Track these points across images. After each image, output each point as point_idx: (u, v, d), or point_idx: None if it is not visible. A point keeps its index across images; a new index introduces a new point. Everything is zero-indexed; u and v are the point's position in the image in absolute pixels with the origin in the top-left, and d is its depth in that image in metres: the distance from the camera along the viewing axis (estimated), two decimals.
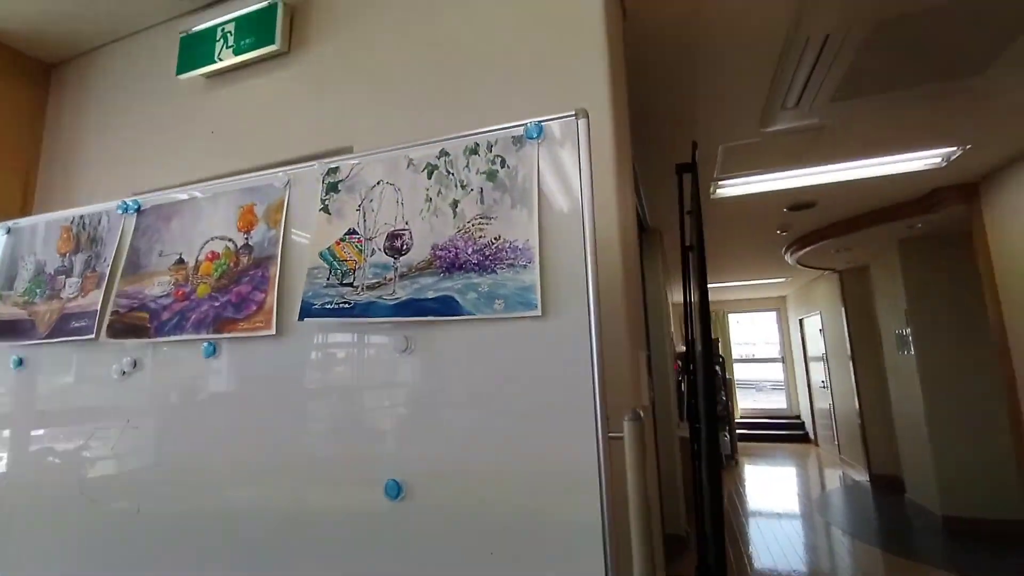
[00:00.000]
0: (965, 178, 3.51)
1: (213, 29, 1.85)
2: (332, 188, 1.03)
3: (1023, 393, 3.13)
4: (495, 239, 0.88)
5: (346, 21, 1.71)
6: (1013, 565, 3.43)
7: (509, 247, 0.87)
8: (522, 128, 0.91)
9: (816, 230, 4.62)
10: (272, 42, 1.73)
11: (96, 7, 1.97)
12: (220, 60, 1.82)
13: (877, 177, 3.40)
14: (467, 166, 0.94)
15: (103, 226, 1.26)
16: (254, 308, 1.03)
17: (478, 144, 0.94)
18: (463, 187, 0.93)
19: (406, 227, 0.95)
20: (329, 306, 0.95)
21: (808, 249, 4.83)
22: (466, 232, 0.91)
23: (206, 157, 1.89)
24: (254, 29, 1.77)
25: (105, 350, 1.17)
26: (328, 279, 0.97)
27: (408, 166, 0.98)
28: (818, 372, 7.14)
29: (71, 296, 1.23)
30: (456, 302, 0.87)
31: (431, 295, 0.89)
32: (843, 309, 5.93)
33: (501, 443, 0.82)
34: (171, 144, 1.98)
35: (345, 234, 0.99)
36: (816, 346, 7.16)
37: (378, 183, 1.00)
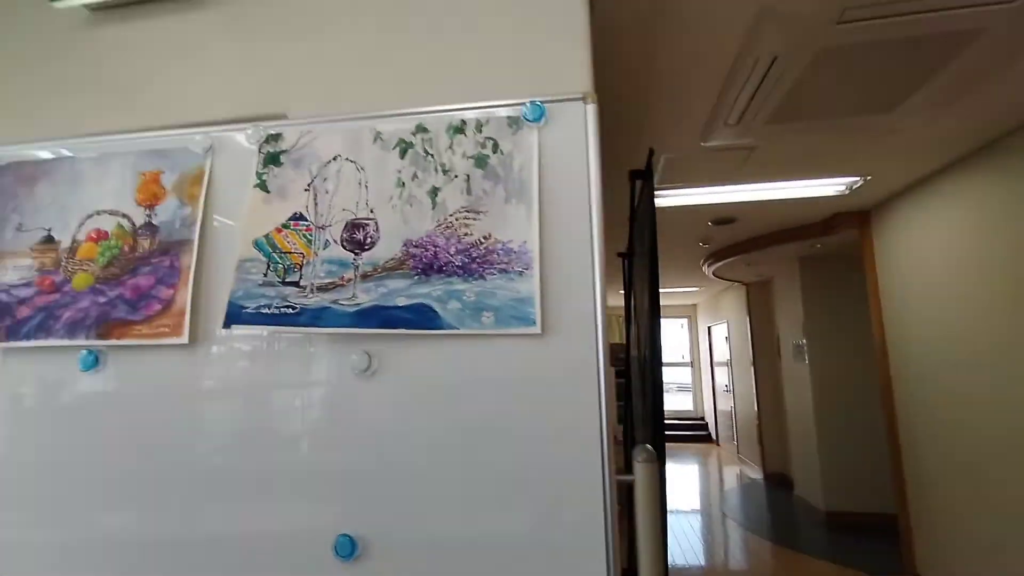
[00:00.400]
0: (860, 206, 3.91)
1: None
2: (272, 160, 0.82)
3: (898, 400, 3.54)
4: (484, 238, 0.74)
5: None
6: (883, 552, 3.88)
7: (502, 249, 0.73)
8: (519, 108, 0.77)
9: (732, 244, 4.94)
10: None
11: None
12: None
13: (790, 199, 3.69)
14: (450, 147, 0.78)
15: None
16: (157, 308, 0.79)
17: (464, 122, 0.78)
18: (445, 172, 0.77)
19: (371, 216, 0.78)
20: (266, 310, 0.74)
21: (724, 262, 5.15)
22: (448, 227, 0.75)
23: (88, 110, 1.52)
24: None
25: None
26: (265, 275, 0.77)
27: (375, 140, 0.80)
28: (722, 377, 7.69)
29: None
30: (434, 312, 0.72)
31: (402, 302, 0.73)
32: (748, 319, 6.41)
33: (485, 492, 0.67)
34: (42, 91, 1.57)
35: (289, 219, 0.79)
36: (722, 352, 7.71)
37: (335, 159, 0.81)
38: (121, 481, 0.75)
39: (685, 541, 4.23)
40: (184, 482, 0.73)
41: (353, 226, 0.77)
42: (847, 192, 3.54)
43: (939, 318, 3.00)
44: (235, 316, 0.74)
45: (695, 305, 9.08)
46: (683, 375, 9.56)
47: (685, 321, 9.33)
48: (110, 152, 0.88)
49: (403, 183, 0.78)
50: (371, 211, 0.78)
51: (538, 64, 1.10)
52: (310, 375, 0.75)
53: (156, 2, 1.51)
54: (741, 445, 6.89)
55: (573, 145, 0.75)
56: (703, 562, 3.87)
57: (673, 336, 9.99)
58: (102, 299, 0.81)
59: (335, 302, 0.74)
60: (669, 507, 5.08)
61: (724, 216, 4.18)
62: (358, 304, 0.73)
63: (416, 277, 0.74)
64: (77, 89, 1.54)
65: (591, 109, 0.75)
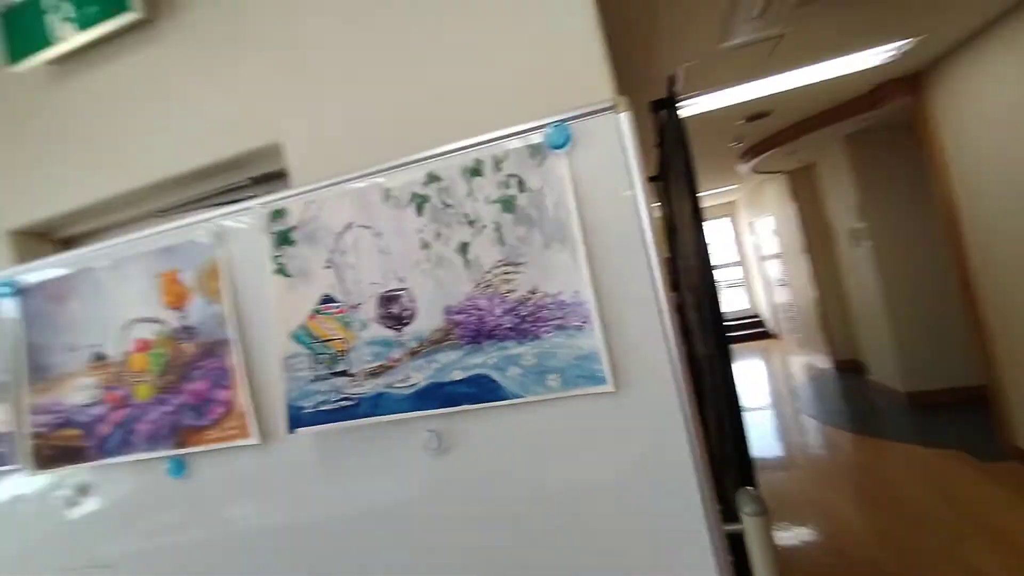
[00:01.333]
0: (908, 70, 3.46)
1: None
2: (283, 240, 0.77)
3: (975, 268, 3.29)
4: (530, 293, 0.67)
5: None
6: (975, 427, 3.80)
7: (552, 303, 0.66)
8: (540, 134, 0.66)
9: (769, 137, 4.57)
10: (124, 7, 1.30)
11: None
12: (60, 38, 1.37)
13: (828, 79, 3.31)
14: (470, 193, 0.70)
15: None
16: (221, 411, 0.79)
17: (480, 161, 0.69)
18: (470, 223, 0.70)
19: (402, 286, 0.72)
20: (325, 407, 0.72)
21: (762, 157, 4.80)
22: (488, 286, 0.69)
23: (85, 175, 1.47)
24: None
25: (39, 478, 0.90)
26: (313, 369, 0.74)
27: (386, 199, 0.73)
28: (775, 270, 7.44)
29: None
30: (494, 382, 0.67)
31: (458, 375, 0.69)
32: (794, 208, 6.05)
33: (584, 559, 0.65)
34: (32, 162, 1.53)
35: (319, 303, 0.75)
36: (770, 245, 7.40)
37: (348, 227, 0.74)
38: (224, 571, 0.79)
39: (761, 440, 4.26)
40: (280, 566, 0.76)
41: (386, 300, 0.72)
42: (895, 57, 3.12)
43: (1016, 177, 2.71)
44: (297, 419, 0.72)
45: (733, 203, 8.65)
46: (733, 273, 9.33)
47: (728, 219, 8.95)
48: (122, 257, 0.85)
49: (427, 243, 0.71)
50: (400, 280, 0.72)
51: (553, 76, 0.94)
52: (383, 459, 0.73)
53: (115, 40, 1.40)
54: (805, 336, 6.77)
55: (611, 166, 0.64)
56: (782, 454, 3.92)
57: (716, 235, 9.65)
58: (169, 408, 0.82)
59: (390, 386, 0.71)
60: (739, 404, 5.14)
61: (756, 111, 3.83)
62: (413, 385, 0.70)
63: (467, 347, 0.69)
64: (58, 155, 1.49)
65: (625, 118, 0.63)
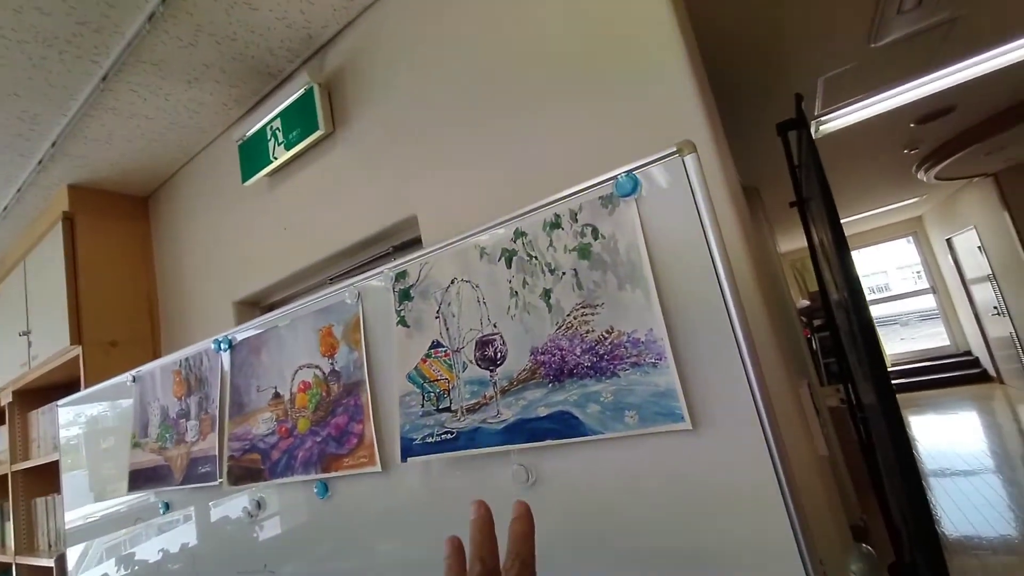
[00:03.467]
0: None
1: (263, 131, 1.85)
2: (405, 296, 0.91)
3: None
4: (607, 332, 0.70)
5: (386, 85, 1.61)
6: None
7: (628, 341, 0.68)
8: (611, 184, 0.71)
9: (956, 136, 3.84)
10: (316, 127, 1.68)
11: (166, 138, 2.08)
12: (275, 158, 1.82)
13: None
14: (551, 244, 0.76)
15: (205, 366, 1.27)
16: (355, 442, 0.94)
17: (559, 216, 0.76)
18: (552, 271, 0.76)
19: (495, 331, 0.80)
20: (431, 439, 0.82)
21: (949, 160, 4.03)
22: (568, 327, 0.73)
23: (285, 255, 1.91)
24: (298, 120, 1.74)
25: (232, 492, 1.16)
26: (423, 405, 0.85)
27: (481, 256, 0.83)
28: (986, 296, 5.99)
29: (193, 440, 1.25)
30: (575, 419, 0.70)
31: (542, 412, 0.73)
32: (1008, 216, 4.90)
33: None
34: (252, 249, 2.03)
35: (429, 348, 0.87)
36: (975, 266, 6.02)
37: (452, 282, 0.86)
38: None
39: (976, 513, 3.34)
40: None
41: (483, 344, 0.81)
42: None
43: None
44: (408, 450, 0.84)
45: (919, 217, 7.28)
46: (924, 303, 7.70)
47: (911, 237, 7.52)
48: (296, 317, 1.08)
49: (515, 292, 0.79)
50: (494, 325, 0.80)
51: (633, 129, 1.03)
52: (481, 488, 0.80)
53: (307, 153, 1.82)
54: None
55: (679, 208, 0.66)
56: (1016, 530, 3.02)
57: (897, 259, 8.15)
58: (318, 439, 1.00)
59: (484, 421, 0.78)
60: (946, 467, 4.12)
61: (932, 110, 3.27)
62: (503, 420, 0.76)
63: (550, 385, 0.74)
64: (274, 241, 1.94)
65: (691, 160, 0.65)
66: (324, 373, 1.02)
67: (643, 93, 1.03)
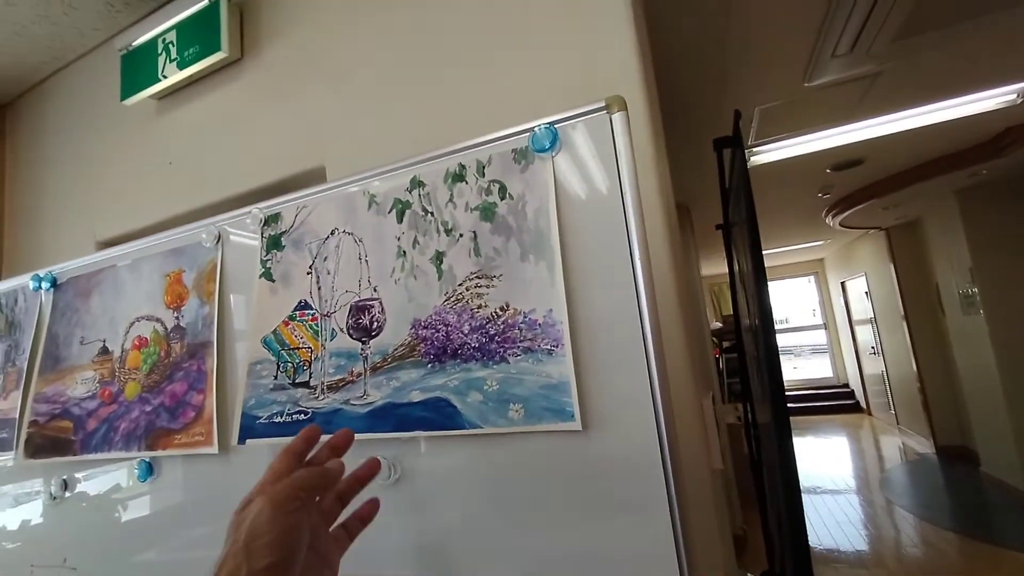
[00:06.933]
0: None
1: (153, 43, 1.57)
2: (274, 244, 0.75)
3: None
4: (500, 310, 0.59)
5: (307, 13, 1.41)
6: None
7: (523, 322, 0.57)
8: (526, 137, 0.60)
9: (862, 188, 4.19)
10: (218, 48, 1.44)
11: (32, 33, 1.72)
12: (165, 77, 1.55)
13: (935, 124, 2.97)
14: (451, 200, 0.64)
15: (20, 307, 1.01)
16: (191, 415, 0.77)
17: (464, 167, 0.64)
18: (448, 232, 0.64)
19: (375, 296, 0.67)
20: (279, 419, 0.67)
21: (854, 210, 4.39)
22: (458, 300, 0.62)
23: (167, 194, 1.63)
24: (197, 35, 1.49)
25: (30, 466, 0.93)
26: (276, 377, 0.70)
27: (370, 205, 0.69)
28: (866, 336, 6.67)
29: None
30: (452, 407, 0.59)
31: (416, 397, 0.61)
32: (892, 268, 5.45)
33: None
34: (127, 182, 1.73)
35: (295, 309, 0.71)
36: (862, 309, 6.68)
37: (333, 232, 0.72)
38: None
39: (834, 524, 3.68)
40: None
41: (357, 309, 0.67)
42: (1020, 102, 2.76)
43: None
44: (248, 429, 0.68)
45: (822, 260, 7.98)
46: (816, 337, 8.47)
47: (812, 278, 8.24)
48: (141, 256, 0.88)
49: (403, 251, 0.66)
50: (374, 289, 0.67)
51: (561, 74, 0.92)
52: None
53: (207, 79, 1.56)
54: (901, 414, 5.92)
55: (600, 171, 0.57)
56: (867, 547, 3.34)
57: (798, 296, 8.90)
58: (148, 408, 0.81)
59: (346, 402, 0.65)
60: (817, 485, 4.49)
61: (846, 159, 3.52)
62: (370, 403, 0.63)
63: (429, 366, 0.62)
64: (156, 177, 1.66)
65: (619, 120, 0.56)
66: (167, 328, 0.83)
67: (574, 42, 0.92)
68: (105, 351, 0.89)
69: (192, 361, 0.79)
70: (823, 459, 5.32)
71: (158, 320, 0.84)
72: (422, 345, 0.62)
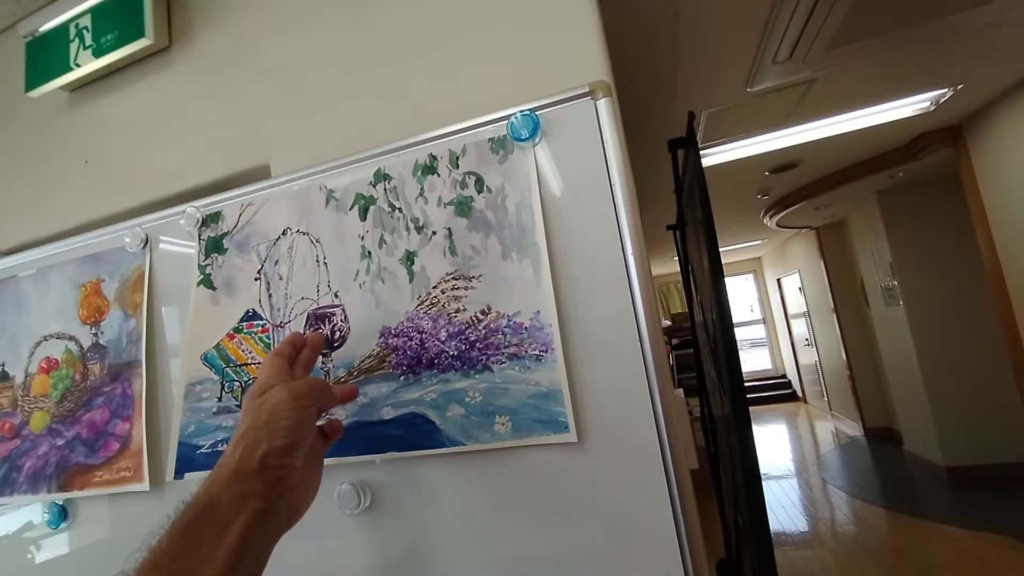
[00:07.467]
0: (949, 121, 3.34)
1: (64, 28, 1.39)
2: (215, 247, 0.66)
3: None
4: (481, 313, 0.54)
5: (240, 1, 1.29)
6: (1018, 506, 3.37)
7: (508, 325, 0.52)
8: (504, 125, 0.55)
9: (796, 190, 4.44)
10: (141, 34, 1.29)
11: None
12: (78, 66, 1.37)
13: (861, 129, 3.20)
14: (421, 194, 0.58)
15: None
16: (115, 447, 0.66)
17: (435, 158, 0.58)
18: (419, 229, 0.58)
19: (336, 303, 0.60)
20: (224, 447, 0.58)
21: (789, 211, 4.66)
22: (433, 304, 0.56)
23: (83, 196, 1.44)
24: (116, 19, 1.33)
25: None
26: (221, 399, 0.61)
27: (328, 202, 0.62)
28: (801, 329, 7.10)
29: None
30: (430, 423, 0.53)
31: (388, 414, 0.55)
32: (823, 265, 5.83)
33: None
34: (34, 182, 1.52)
35: (241, 320, 0.63)
36: (796, 304, 7.10)
37: (285, 233, 0.63)
38: None
39: (778, 506, 3.88)
40: None
41: (316, 318, 0.60)
42: (932, 108, 3.01)
43: None
44: (187, 461, 0.59)
45: (759, 258, 8.43)
46: (755, 332, 8.94)
47: (751, 276, 8.70)
48: (48, 265, 0.76)
49: (368, 252, 0.59)
50: (335, 295, 0.60)
51: (530, 59, 0.87)
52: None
53: (129, 68, 1.40)
54: (833, 401, 6.33)
55: (585, 160, 0.53)
56: (807, 528, 3.54)
57: (739, 292, 9.36)
58: (60, 441, 0.69)
59: None
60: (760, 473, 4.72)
61: (783, 162, 3.73)
62: None
63: (402, 378, 0.55)
64: (68, 178, 1.47)
65: (604, 105, 0.52)
66: (83, 348, 0.71)
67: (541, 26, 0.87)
68: (4, 376, 0.75)
69: (115, 384, 0.68)
70: (766, 447, 5.60)
71: (71, 338, 0.72)
72: (393, 355, 0.56)
